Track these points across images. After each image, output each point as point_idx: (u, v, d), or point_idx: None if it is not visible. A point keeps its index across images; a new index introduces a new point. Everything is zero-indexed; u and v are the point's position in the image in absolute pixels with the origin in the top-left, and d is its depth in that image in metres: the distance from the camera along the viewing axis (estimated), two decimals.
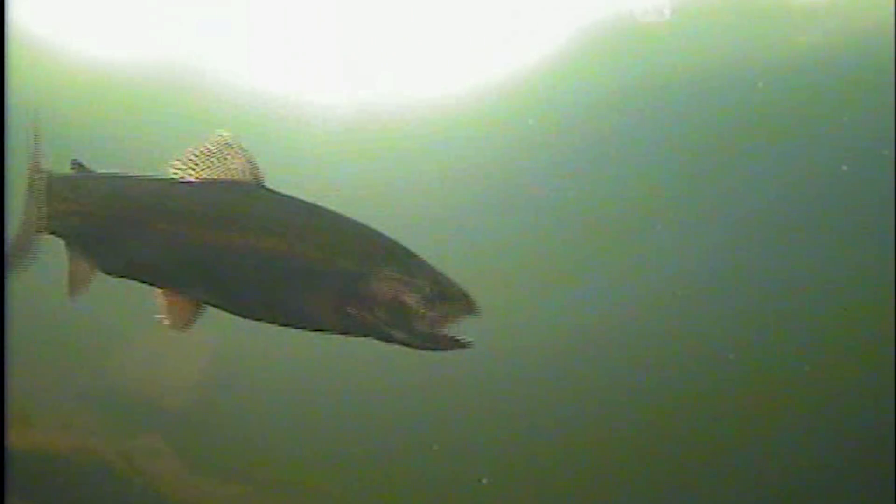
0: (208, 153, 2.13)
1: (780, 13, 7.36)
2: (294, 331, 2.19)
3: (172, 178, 2.14)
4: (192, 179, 2.13)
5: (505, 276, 7.55)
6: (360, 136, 7.71)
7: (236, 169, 2.13)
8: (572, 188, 7.95)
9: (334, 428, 7.06)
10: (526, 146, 7.91)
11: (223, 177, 2.13)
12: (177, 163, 2.14)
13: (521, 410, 7.12)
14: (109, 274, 2.16)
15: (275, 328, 2.22)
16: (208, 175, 2.13)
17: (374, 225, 2.19)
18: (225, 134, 2.14)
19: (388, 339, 2.07)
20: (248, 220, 2.08)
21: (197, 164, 2.13)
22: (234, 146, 2.14)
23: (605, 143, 7.94)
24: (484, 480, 6.60)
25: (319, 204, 2.15)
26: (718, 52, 7.44)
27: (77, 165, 2.22)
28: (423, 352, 2.06)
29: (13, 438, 5.93)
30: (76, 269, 2.16)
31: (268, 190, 2.16)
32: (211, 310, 2.14)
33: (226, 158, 2.13)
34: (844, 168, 7.33)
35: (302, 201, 2.16)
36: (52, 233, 2.15)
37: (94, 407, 7.20)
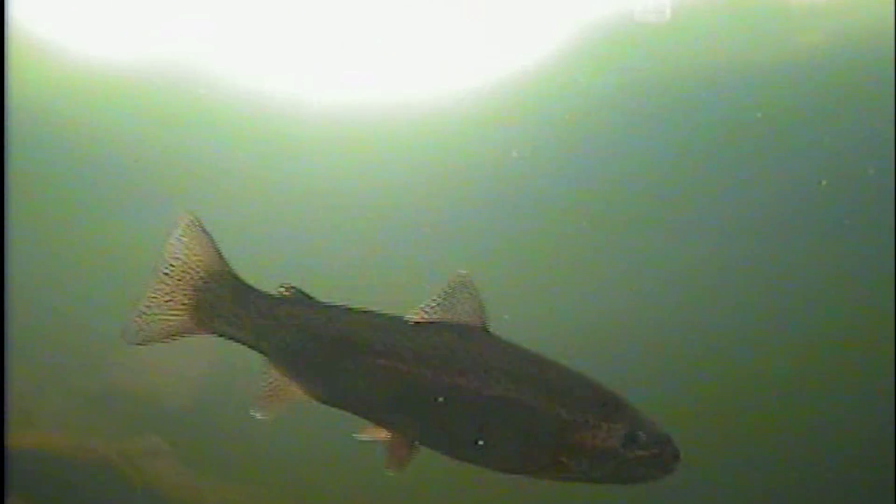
0: (442, 294, 2.13)
1: (780, 13, 7.36)
2: None
3: (398, 316, 2.14)
4: (418, 319, 2.12)
5: (503, 276, 7.55)
6: (359, 134, 7.71)
7: (464, 311, 2.12)
8: (569, 187, 7.95)
9: (335, 427, 7.05)
10: (523, 145, 7.91)
11: (450, 318, 2.12)
12: (414, 312, 2.14)
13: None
14: (322, 402, 2.18)
15: None
16: (437, 315, 2.12)
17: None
18: (463, 273, 2.13)
19: (594, 482, 2.10)
20: (472, 364, 2.08)
21: (434, 309, 2.13)
22: (468, 287, 2.13)
23: (602, 142, 7.94)
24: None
25: (537, 352, 2.16)
26: (718, 51, 7.45)
27: (291, 289, 2.20)
28: None
29: (13, 438, 5.93)
30: (283, 390, 2.18)
31: (491, 334, 2.15)
32: None
33: (457, 300, 2.12)
34: (823, 183, 7.34)
35: (522, 348, 2.15)
36: (262, 352, 2.16)
37: (94, 407, 7.21)
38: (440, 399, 2.05)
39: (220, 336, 2.18)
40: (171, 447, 6.86)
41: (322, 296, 2.17)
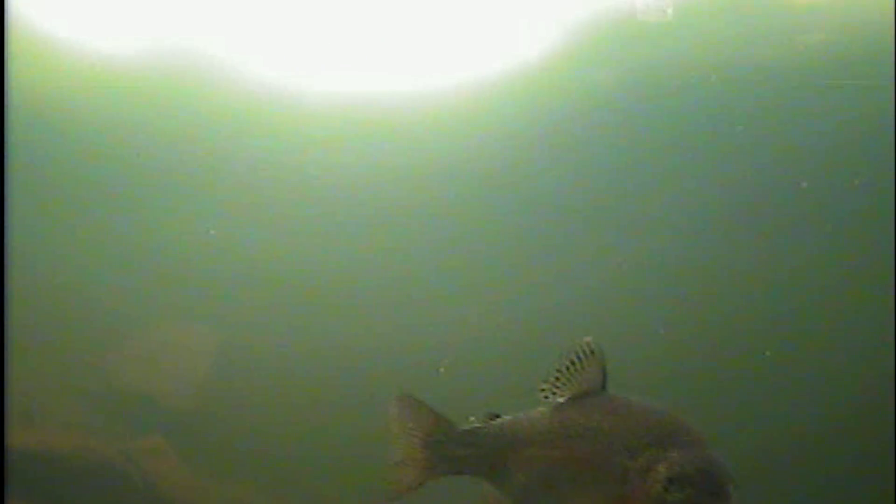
0: (571, 365, 2.24)
1: (782, 12, 7.36)
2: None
3: (543, 410, 2.28)
4: (561, 400, 2.25)
5: (498, 273, 7.56)
6: (358, 128, 7.72)
7: (590, 379, 2.22)
8: (567, 186, 7.96)
9: (336, 426, 7.06)
10: (521, 142, 7.92)
11: (579, 389, 2.23)
12: (545, 385, 2.27)
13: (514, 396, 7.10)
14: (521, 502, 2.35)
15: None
16: (569, 389, 2.24)
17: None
18: (589, 341, 2.22)
19: None
20: (601, 433, 2.16)
21: (560, 379, 2.25)
22: (595, 354, 2.22)
23: (600, 139, 7.95)
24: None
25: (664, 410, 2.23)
26: (718, 51, 7.44)
27: (492, 416, 2.43)
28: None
29: (13, 438, 5.93)
30: (494, 502, 2.38)
31: (611, 395, 2.24)
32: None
33: (584, 370, 2.22)
34: (804, 185, 7.34)
35: (649, 407, 2.23)
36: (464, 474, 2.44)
37: (94, 406, 7.20)
38: (580, 472, 2.16)
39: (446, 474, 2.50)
40: (173, 447, 6.86)
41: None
